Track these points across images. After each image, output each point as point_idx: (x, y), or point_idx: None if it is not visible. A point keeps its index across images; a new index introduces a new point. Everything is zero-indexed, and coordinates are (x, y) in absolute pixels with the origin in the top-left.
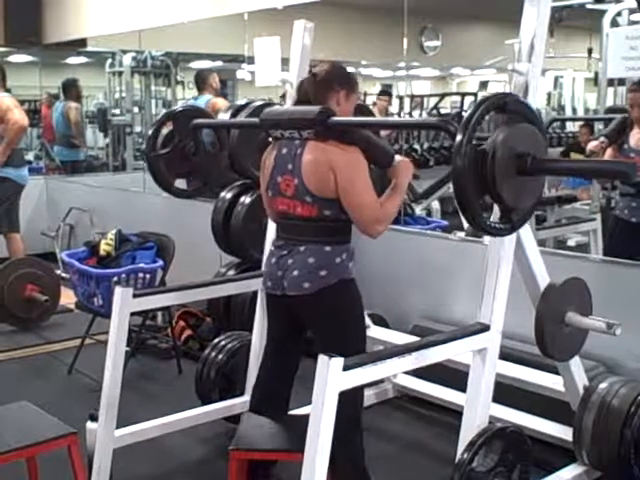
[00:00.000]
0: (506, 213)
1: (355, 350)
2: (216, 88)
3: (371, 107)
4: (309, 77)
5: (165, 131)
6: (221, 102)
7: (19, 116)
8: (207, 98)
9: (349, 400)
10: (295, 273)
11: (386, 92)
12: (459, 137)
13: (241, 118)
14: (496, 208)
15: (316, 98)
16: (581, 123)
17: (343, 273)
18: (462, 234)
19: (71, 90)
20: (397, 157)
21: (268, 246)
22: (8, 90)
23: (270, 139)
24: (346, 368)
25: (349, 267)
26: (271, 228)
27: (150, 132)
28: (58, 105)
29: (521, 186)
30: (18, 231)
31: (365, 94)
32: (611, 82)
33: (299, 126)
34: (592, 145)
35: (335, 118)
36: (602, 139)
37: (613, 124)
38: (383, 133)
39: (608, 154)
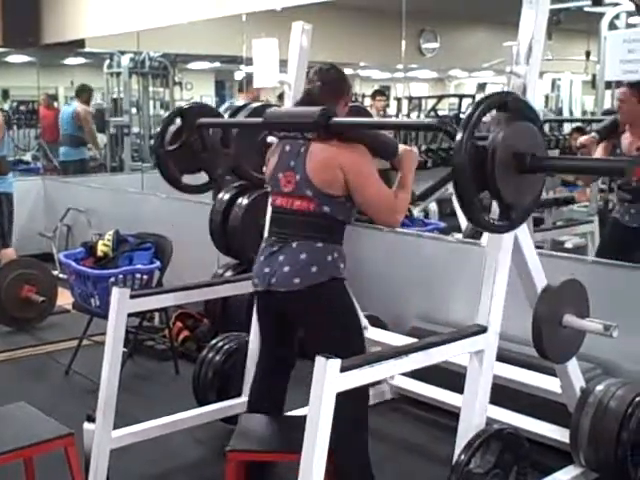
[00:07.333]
0: (505, 210)
1: (350, 350)
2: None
3: (368, 108)
4: (318, 85)
5: (173, 128)
6: None
7: None
8: None
9: (354, 400)
10: (286, 269)
11: (381, 92)
12: (460, 134)
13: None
14: (495, 207)
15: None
16: (573, 127)
17: (334, 272)
18: (460, 236)
19: (83, 95)
20: (401, 147)
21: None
22: (5, 91)
23: (268, 140)
24: (343, 369)
25: (340, 267)
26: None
27: (159, 128)
28: (67, 107)
29: (520, 183)
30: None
31: (363, 96)
32: (609, 85)
33: (301, 128)
34: (583, 139)
35: (336, 119)
36: (593, 134)
37: (605, 122)
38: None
39: (598, 152)
